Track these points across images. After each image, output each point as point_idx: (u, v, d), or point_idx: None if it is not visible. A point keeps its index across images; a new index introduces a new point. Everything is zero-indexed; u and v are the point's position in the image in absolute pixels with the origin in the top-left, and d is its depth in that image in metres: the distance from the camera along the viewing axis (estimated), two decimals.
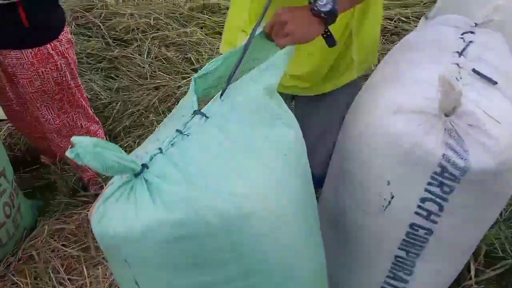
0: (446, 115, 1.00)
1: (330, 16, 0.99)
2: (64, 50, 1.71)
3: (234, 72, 0.97)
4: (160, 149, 0.86)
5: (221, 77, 1.04)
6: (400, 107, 1.03)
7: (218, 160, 0.85)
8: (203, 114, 0.91)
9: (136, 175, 0.83)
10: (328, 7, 0.97)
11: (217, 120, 0.90)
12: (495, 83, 1.10)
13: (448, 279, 1.31)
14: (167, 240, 0.80)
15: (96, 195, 2.00)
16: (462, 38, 1.21)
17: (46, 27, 1.62)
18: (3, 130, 2.24)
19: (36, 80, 1.66)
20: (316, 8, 0.98)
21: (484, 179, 1.02)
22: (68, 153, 0.76)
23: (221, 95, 0.94)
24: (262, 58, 1.02)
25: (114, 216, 0.82)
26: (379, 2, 1.32)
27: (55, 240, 1.81)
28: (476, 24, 1.25)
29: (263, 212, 0.84)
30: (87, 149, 0.75)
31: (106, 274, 1.70)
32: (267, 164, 0.89)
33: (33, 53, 1.60)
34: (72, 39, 1.77)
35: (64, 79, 1.73)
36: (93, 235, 1.79)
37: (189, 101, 0.97)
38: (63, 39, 1.69)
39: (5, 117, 2.27)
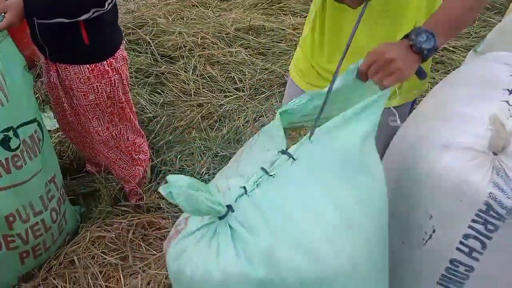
0: (495, 153, 1.00)
1: (432, 52, 1.00)
2: (119, 67, 1.79)
3: (319, 115, 0.95)
4: (244, 188, 0.85)
5: (307, 115, 1.02)
6: (448, 142, 1.03)
7: (303, 211, 0.83)
8: (291, 156, 0.89)
9: (221, 217, 0.82)
10: (431, 44, 0.98)
11: (305, 164, 0.88)
12: None
13: None
14: None
15: (136, 206, 2.07)
16: None
17: (104, 45, 1.71)
18: (53, 138, 2.35)
19: (91, 94, 1.75)
20: (418, 45, 0.98)
21: None
22: (162, 190, 0.76)
23: (310, 137, 0.91)
24: (355, 99, 0.98)
25: (194, 257, 0.82)
26: None
27: (95, 247, 1.87)
28: None
29: (344, 277, 0.83)
30: (182, 190, 0.75)
31: (142, 285, 1.74)
32: (351, 222, 0.86)
33: (90, 68, 1.69)
34: (126, 56, 1.85)
35: (116, 94, 1.82)
36: (131, 245, 1.87)
37: (275, 135, 0.95)
38: (119, 57, 1.78)
39: (55, 127, 2.39)
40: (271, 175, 0.87)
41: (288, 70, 2.38)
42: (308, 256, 0.79)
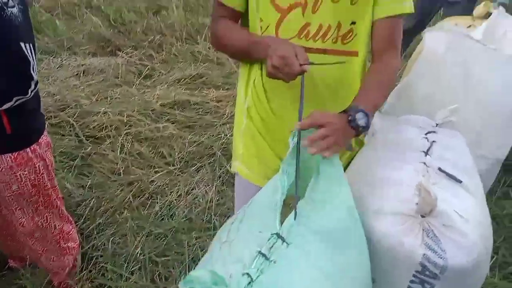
0: (423, 216, 1.07)
1: (365, 130, 1.09)
2: (43, 153, 1.73)
3: (297, 193, 0.97)
4: (248, 275, 0.83)
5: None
6: (379, 208, 1.09)
7: None
8: (284, 240, 0.89)
9: None
10: (365, 122, 1.08)
11: (299, 248, 0.89)
12: (460, 181, 1.19)
13: None
14: None
15: None
16: (426, 138, 1.32)
17: (27, 133, 1.66)
18: None
19: (14, 183, 1.66)
20: (356, 122, 1.07)
21: (460, 274, 1.07)
22: (181, 286, 0.75)
23: (294, 217, 0.93)
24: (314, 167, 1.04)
25: None
26: None
27: None
28: (436, 124, 1.38)
29: None
30: (206, 286, 0.74)
31: None
32: None
33: (13, 157, 1.61)
34: (50, 142, 1.80)
35: (41, 181, 1.74)
36: None
37: (267, 217, 0.94)
38: (43, 142, 1.72)
39: None
40: (271, 261, 0.86)
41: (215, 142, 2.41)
42: None
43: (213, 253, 0.98)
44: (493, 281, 1.80)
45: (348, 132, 1.09)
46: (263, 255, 0.87)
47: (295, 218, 0.93)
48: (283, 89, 1.24)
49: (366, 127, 1.10)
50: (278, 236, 0.90)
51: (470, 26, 1.70)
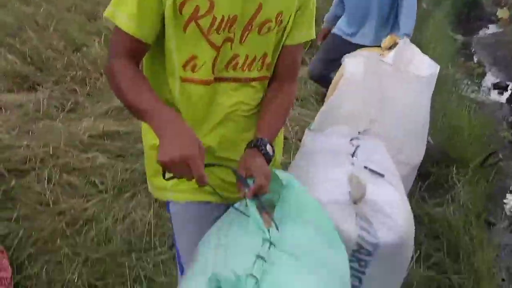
0: (355, 203, 1.25)
1: (273, 156, 1.19)
2: None
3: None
4: (253, 276, 0.88)
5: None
6: (320, 201, 1.25)
7: None
8: (274, 245, 0.97)
9: None
10: (270, 150, 1.17)
11: (291, 251, 0.97)
12: (383, 175, 1.40)
13: None
14: None
15: None
16: (351, 143, 1.52)
17: None
18: None
19: None
20: (269, 154, 1.15)
21: (390, 251, 1.25)
22: (209, 286, 0.78)
23: (277, 227, 1.02)
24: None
25: None
26: None
27: None
28: (359, 132, 1.59)
29: None
30: (232, 285, 0.79)
31: None
32: None
33: None
34: None
35: None
36: None
37: (251, 221, 1.02)
38: None
39: None
40: (271, 263, 0.93)
41: None
42: None
43: (207, 258, 1.01)
44: (419, 271, 2.05)
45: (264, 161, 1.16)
46: (262, 258, 0.93)
47: (277, 229, 1.02)
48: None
49: (272, 153, 1.18)
50: (270, 242, 0.98)
51: (381, 54, 1.97)
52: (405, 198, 1.41)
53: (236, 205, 1.14)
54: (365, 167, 1.42)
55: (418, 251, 2.13)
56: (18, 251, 2.19)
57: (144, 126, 1.32)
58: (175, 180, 1.09)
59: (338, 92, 1.86)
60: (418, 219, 2.35)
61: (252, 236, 1.01)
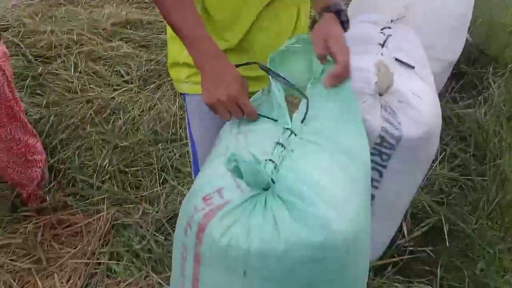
0: (381, 94, 1.21)
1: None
2: (1, 63, 1.70)
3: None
4: (272, 161, 0.87)
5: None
6: None
7: (328, 180, 0.88)
8: (296, 134, 0.95)
9: (265, 189, 0.82)
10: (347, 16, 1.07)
11: (311, 138, 0.94)
12: (413, 67, 1.33)
13: (387, 239, 1.52)
14: (303, 261, 0.80)
15: (38, 210, 1.97)
16: (382, 32, 1.44)
17: None
18: None
19: None
20: (349, 23, 1.06)
21: (414, 145, 1.23)
22: (226, 164, 0.76)
23: (302, 120, 0.98)
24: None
25: (249, 230, 0.80)
26: None
27: (2, 256, 1.76)
28: (391, 21, 1.49)
29: (365, 233, 0.91)
30: (251, 166, 0.76)
31: (62, 282, 1.69)
32: (359, 184, 0.95)
33: None
34: (7, 52, 1.76)
35: (2, 92, 1.72)
36: (42, 247, 1.78)
37: (276, 105, 0.99)
38: (0, 52, 1.69)
39: None
40: (290, 150, 0.92)
41: None
42: (346, 219, 0.84)
43: (228, 144, 1.00)
44: (443, 172, 2.04)
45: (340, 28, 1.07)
46: (282, 145, 0.92)
47: (302, 121, 0.99)
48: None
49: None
50: (291, 131, 0.96)
51: None
52: (435, 92, 1.36)
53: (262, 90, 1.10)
54: (395, 58, 1.35)
55: (444, 152, 2.11)
56: (50, 136, 2.28)
57: None
58: (189, 71, 1.08)
59: None
60: (446, 120, 2.30)
61: (274, 124, 1.00)
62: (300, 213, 0.81)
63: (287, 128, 0.97)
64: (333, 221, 0.82)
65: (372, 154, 1.24)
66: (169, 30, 1.30)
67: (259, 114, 1.03)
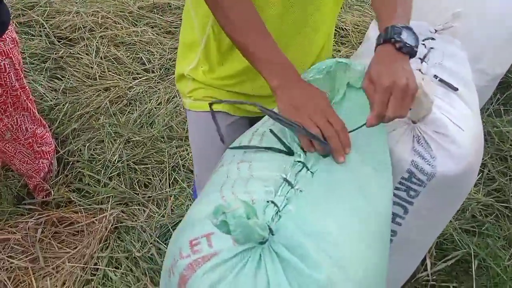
0: (414, 122, 1.02)
1: (417, 47, 0.89)
2: (8, 50, 1.60)
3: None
4: (274, 203, 0.73)
5: None
6: None
7: (341, 232, 0.74)
8: (308, 168, 0.81)
9: (262, 242, 0.69)
10: (414, 38, 0.87)
11: (325, 178, 0.80)
12: (456, 89, 1.13)
13: (407, 273, 1.35)
14: None
15: (43, 203, 1.90)
16: (424, 44, 1.24)
17: None
18: None
19: None
20: (408, 45, 0.86)
21: (448, 183, 1.05)
22: (212, 219, 0.64)
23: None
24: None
25: None
26: None
27: (0, 252, 1.69)
28: (435, 31, 1.29)
29: None
30: (241, 221, 0.63)
31: (56, 286, 1.60)
32: (374, 233, 0.81)
33: None
34: (17, 38, 1.66)
35: (8, 80, 1.62)
36: (41, 245, 1.71)
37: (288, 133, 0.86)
38: (7, 38, 1.58)
39: None
40: (298, 190, 0.77)
41: None
42: (353, 283, 0.71)
43: (228, 172, 0.86)
44: (477, 196, 1.82)
45: (403, 62, 0.87)
46: (289, 182, 0.78)
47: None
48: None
49: (417, 43, 0.89)
50: (303, 164, 0.82)
51: None
52: (479, 120, 1.16)
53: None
54: (436, 76, 1.15)
55: (480, 174, 1.88)
56: (63, 125, 2.19)
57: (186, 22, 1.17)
58: (193, 85, 1.02)
59: None
60: (486, 136, 2.07)
61: (284, 154, 0.86)
62: (298, 277, 0.67)
63: (299, 161, 0.82)
64: (337, 285, 0.68)
65: (397, 188, 1.07)
66: (183, 36, 1.21)
67: (267, 147, 0.88)
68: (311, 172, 0.82)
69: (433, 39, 1.26)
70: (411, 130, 1.02)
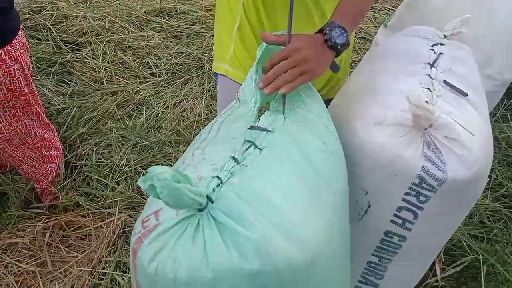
0: (424, 128, 1.02)
1: (344, 48, 1.00)
2: (18, 55, 1.61)
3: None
4: (218, 178, 0.78)
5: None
6: (380, 119, 1.04)
7: (282, 197, 0.79)
8: (256, 146, 0.86)
9: (201, 209, 0.74)
10: (343, 39, 0.98)
11: (273, 152, 0.85)
12: (466, 95, 1.13)
13: (416, 280, 1.35)
14: None
15: (51, 207, 1.90)
16: (433, 49, 1.24)
17: None
18: None
19: None
20: (333, 40, 0.97)
21: (458, 188, 1.05)
22: (141, 183, 0.66)
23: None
24: None
25: (177, 255, 0.72)
26: None
27: (7, 256, 1.70)
28: (445, 36, 1.29)
29: (325, 257, 0.81)
30: (166, 183, 0.65)
31: None
32: (321, 198, 0.85)
33: None
34: (26, 43, 1.67)
35: (17, 85, 1.64)
36: (49, 249, 1.71)
37: (240, 123, 0.91)
38: (17, 44, 1.60)
39: None
40: (243, 165, 0.82)
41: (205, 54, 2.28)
42: (295, 243, 0.75)
43: (185, 159, 0.92)
44: (485, 202, 1.82)
45: (326, 54, 1.00)
46: (235, 159, 0.83)
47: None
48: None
49: (345, 45, 1.00)
50: (252, 142, 0.87)
51: None
52: (489, 125, 1.16)
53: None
54: (445, 82, 1.15)
55: (487, 179, 1.88)
56: (71, 129, 2.20)
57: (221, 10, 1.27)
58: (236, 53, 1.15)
59: None
60: (493, 142, 2.06)
61: (239, 136, 0.91)
62: (233, 236, 0.71)
63: (248, 141, 0.87)
64: (276, 245, 0.72)
65: (407, 194, 1.06)
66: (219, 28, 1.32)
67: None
68: (259, 149, 0.87)
69: (442, 44, 1.26)
70: (421, 135, 1.02)
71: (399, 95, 1.10)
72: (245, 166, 0.82)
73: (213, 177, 0.79)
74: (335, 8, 1.09)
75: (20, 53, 1.62)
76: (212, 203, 0.74)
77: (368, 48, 2.32)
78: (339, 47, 0.99)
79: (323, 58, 0.99)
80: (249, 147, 0.87)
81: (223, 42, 1.33)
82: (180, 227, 0.74)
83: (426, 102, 1.06)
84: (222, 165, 0.82)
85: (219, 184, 0.78)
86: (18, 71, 1.62)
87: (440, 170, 1.01)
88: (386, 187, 1.07)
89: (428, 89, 1.12)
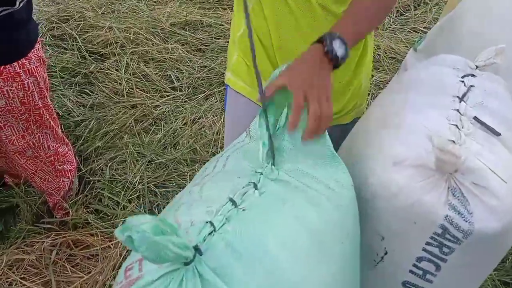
0: (450, 172, 0.92)
1: (343, 60, 0.93)
2: (34, 68, 1.58)
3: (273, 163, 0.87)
4: (211, 224, 0.71)
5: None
6: (399, 159, 0.94)
7: (283, 249, 0.72)
8: (256, 188, 0.80)
9: (187, 263, 0.67)
10: (343, 52, 0.91)
11: (273, 195, 0.79)
12: (499, 134, 1.02)
13: None
14: None
15: (61, 222, 1.87)
16: (463, 81, 1.13)
17: (14, 44, 1.50)
18: None
19: (0, 99, 1.53)
20: (334, 53, 0.90)
21: (487, 241, 0.93)
22: (118, 234, 0.60)
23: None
24: None
25: None
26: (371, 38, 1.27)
27: (13, 272, 1.66)
28: (476, 67, 1.18)
29: None
30: (145, 236, 0.59)
31: None
32: (326, 249, 0.78)
33: None
34: (43, 57, 1.64)
35: (31, 99, 1.61)
36: (55, 267, 1.67)
37: (247, 161, 0.86)
38: (33, 57, 1.57)
39: None
40: (241, 209, 0.75)
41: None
42: None
43: (182, 195, 0.86)
44: None
45: (325, 66, 0.92)
46: (233, 202, 0.76)
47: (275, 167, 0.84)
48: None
49: (345, 58, 0.93)
50: (253, 184, 0.80)
51: None
52: None
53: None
54: (476, 119, 1.04)
55: None
56: (87, 142, 2.17)
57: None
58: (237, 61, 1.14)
59: (462, 3, 1.41)
60: None
61: (242, 174, 0.84)
62: None
63: (250, 182, 0.81)
64: None
65: (429, 244, 0.96)
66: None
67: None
68: (259, 192, 0.79)
69: (473, 75, 1.15)
70: (445, 180, 0.91)
71: (423, 132, 0.99)
72: (243, 210, 0.75)
73: (206, 222, 0.72)
74: (341, 16, 1.02)
75: (36, 66, 1.60)
76: (201, 255, 0.68)
77: (397, 69, 2.22)
78: (339, 60, 0.93)
79: (321, 73, 0.91)
80: (249, 188, 0.80)
81: (230, 50, 1.30)
82: (162, 282, 0.67)
83: (453, 141, 0.97)
84: (218, 208, 0.75)
85: (211, 232, 0.71)
86: (32, 84, 1.59)
87: (466, 221, 0.90)
88: (404, 235, 0.97)
89: (456, 126, 1.02)
